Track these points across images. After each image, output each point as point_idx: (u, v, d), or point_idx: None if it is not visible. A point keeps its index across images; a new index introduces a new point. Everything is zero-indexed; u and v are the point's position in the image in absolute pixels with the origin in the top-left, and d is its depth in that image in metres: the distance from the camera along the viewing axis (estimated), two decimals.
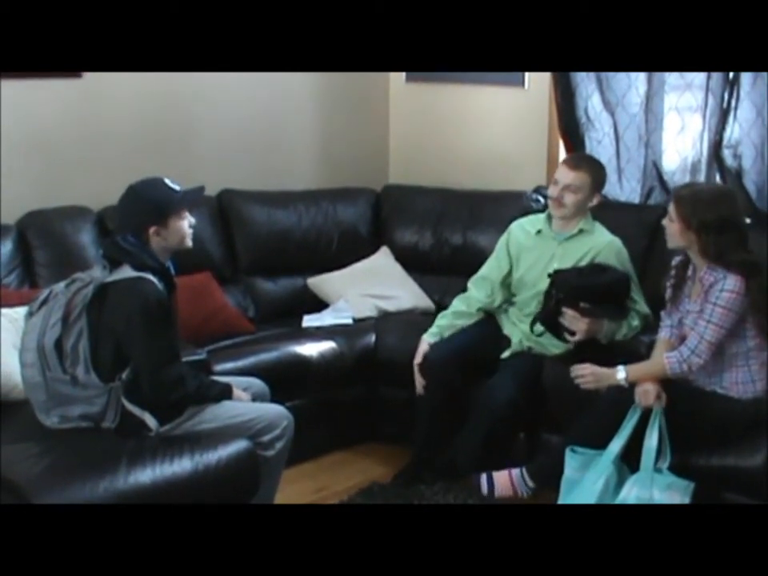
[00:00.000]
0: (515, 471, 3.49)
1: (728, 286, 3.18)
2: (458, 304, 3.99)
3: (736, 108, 4.07)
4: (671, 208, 3.29)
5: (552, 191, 3.79)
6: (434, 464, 3.77)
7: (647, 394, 3.25)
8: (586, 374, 3.41)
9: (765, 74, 3.94)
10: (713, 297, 3.20)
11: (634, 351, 3.62)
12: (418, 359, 3.86)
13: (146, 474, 2.94)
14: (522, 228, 3.95)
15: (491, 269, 3.98)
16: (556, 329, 3.66)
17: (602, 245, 3.76)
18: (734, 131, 4.11)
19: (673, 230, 3.29)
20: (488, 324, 3.97)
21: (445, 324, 3.95)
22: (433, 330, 3.94)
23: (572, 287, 3.60)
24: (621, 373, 3.33)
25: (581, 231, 3.79)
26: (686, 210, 3.24)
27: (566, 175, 3.75)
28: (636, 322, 3.71)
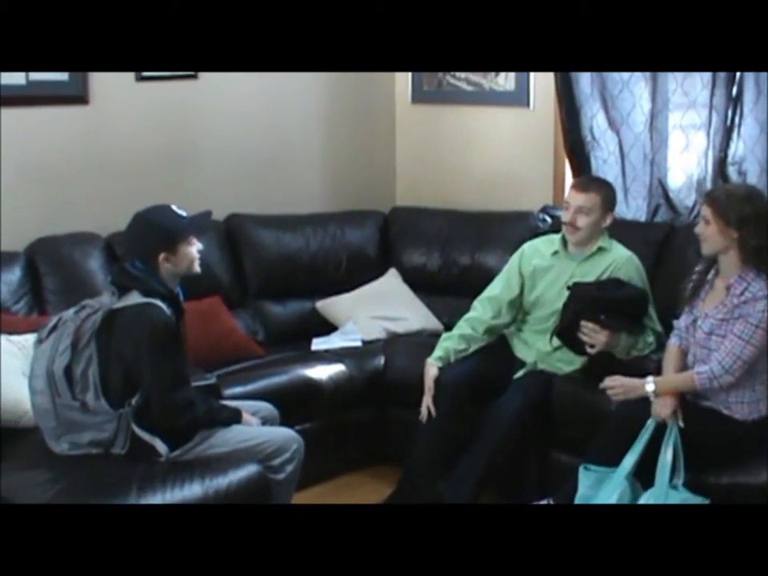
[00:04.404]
0: (543, 503, 3.46)
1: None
2: (464, 326, 3.91)
3: (740, 125, 4.09)
4: (705, 212, 3.28)
5: (564, 216, 3.79)
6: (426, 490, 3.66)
7: (666, 406, 3.25)
8: (616, 385, 3.41)
9: None
10: (754, 319, 3.18)
11: (643, 369, 3.60)
12: (429, 384, 3.77)
13: (157, 500, 2.94)
14: (536, 249, 3.93)
15: (501, 289, 3.93)
16: (572, 342, 3.63)
17: (621, 260, 3.75)
18: (738, 148, 4.12)
19: (710, 231, 3.27)
20: (500, 347, 3.93)
21: (450, 347, 3.85)
22: (439, 353, 3.84)
23: (591, 299, 3.59)
24: (650, 385, 3.32)
25: (600, 249, 3.78)
26: (722, 207, 3.24)
27: (576, 198, 3.76)
28: (651, 339, 3.69)
